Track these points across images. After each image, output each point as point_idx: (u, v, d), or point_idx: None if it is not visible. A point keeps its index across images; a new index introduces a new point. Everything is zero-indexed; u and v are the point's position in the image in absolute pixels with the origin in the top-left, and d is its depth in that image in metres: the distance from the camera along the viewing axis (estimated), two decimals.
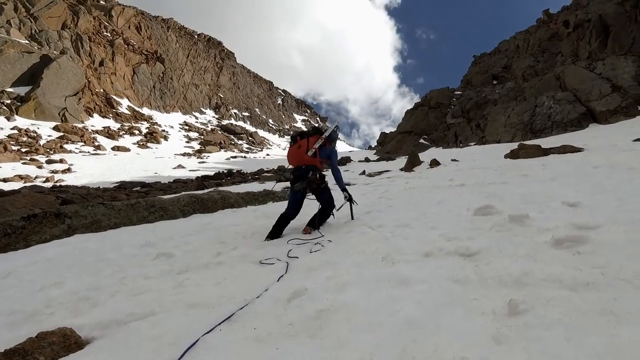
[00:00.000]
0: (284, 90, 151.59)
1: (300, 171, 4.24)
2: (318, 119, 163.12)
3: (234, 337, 1.71)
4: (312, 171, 4.18)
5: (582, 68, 26.07)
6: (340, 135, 4.80)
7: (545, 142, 14.68)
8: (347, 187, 4.78)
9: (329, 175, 4.48)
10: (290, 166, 4.45)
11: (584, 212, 2.88)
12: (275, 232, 4.14)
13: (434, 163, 14.22)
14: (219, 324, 1.86)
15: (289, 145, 4.52)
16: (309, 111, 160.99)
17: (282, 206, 7.00)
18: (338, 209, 4.54)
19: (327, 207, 4.38)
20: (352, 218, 4.49)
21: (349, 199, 4.49)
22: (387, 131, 46.58)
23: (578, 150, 10.43)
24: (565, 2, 39.83)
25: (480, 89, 40.49)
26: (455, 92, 43.85)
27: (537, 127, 24.83)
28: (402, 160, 20.04)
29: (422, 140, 36.35)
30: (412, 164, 15.33)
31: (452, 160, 15.56)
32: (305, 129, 4.76)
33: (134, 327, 1.98)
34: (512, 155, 11.81)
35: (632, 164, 6.12)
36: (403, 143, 37.95)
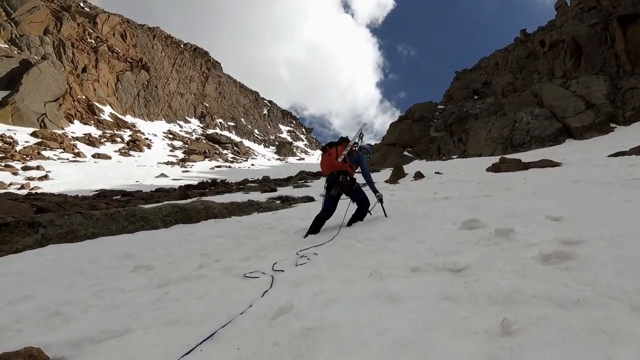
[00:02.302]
0: (269, 101, 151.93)
1: (333, 177, 4.67)
2: (304, 130, 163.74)
3: (215, 358, 1.62)
4: (342, 175, 4.57)
5: (557, 86, 27.26)
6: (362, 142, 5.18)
7: (525, 157, 15.14)
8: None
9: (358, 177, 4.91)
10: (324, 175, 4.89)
11: (568, 226, 2.93)
12: (313, 230, 4.57)
13: (418, 175, 14.41)
14: (200, 343, 1.77)
15: (320, 156, 4.99)
16: (294, 122, 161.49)
17: (267, 217, 6.91)
18: (370, 210, 4.96)
19: (362, 206, 4.81)
20: (386, 215, 4.89)
21: (380, 199, 4.94)
22: (371, 144, 47.16)
23: (556, 164, 10.79)
24: (541, 23, 41.93)
25: (462, 104, 41.70)
26: (438, 107, 44.97)
27: (517, 141, 25.65)
28: (387, 172, 20.24)
29: (406, 153, 36.94)
30: (396, 175, 15.50)
31: (435, 172, 15.81)
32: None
33: (108, 346, 1.87)
34: (494, 168, 12.09)
35: (608, 179, 6.35)
36: (388, 155, 38.45)
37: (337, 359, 1.48)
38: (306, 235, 4.48)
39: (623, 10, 26.52)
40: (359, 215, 4.85)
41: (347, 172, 4.67)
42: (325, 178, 4.86)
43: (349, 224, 4.73)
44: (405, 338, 1.53)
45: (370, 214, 4.99)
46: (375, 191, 4.95)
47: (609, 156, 11.28)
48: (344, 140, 4.92)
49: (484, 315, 1.62)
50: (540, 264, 2.12)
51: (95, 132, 57.72)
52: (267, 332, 1.81)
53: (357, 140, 5.02)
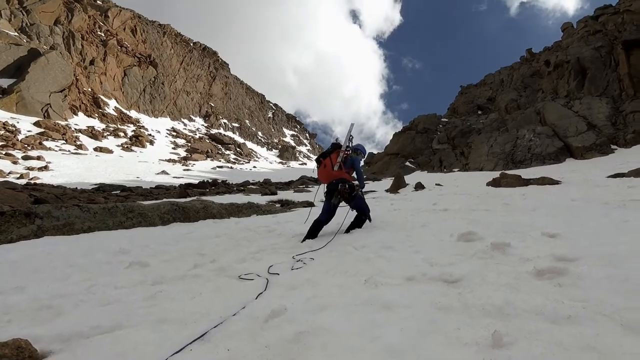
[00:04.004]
0: (275, 104, 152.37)
1: (332, 185, 4.77)
2: (307, 135, 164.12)
3: (205, 359, 1.61)
4: (341, 184, 4.67)
5: (560, 105, 27.43)
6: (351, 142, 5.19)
7: (525, 173, 15.17)
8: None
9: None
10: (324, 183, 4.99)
11: (563, 243, 2.94)
12: (311, 235, 4.63)
13: (419, 186, 14.43)
14: (190, 343, 1.76)
15: (316, 168, 5.07)
16: (298, 127, 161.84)
17: (266, 220, 6.91)
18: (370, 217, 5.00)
19: (361, 212, 4.89)
20: (370, 220, 5.03)
21: (360, 190, 5.01)
22: (374, 152, 47.27)
23: (556, 182, 10.81)
24: (547, 43, 42.28)
25: (466, 118, 41.84)
26: (442, 119, 45.12)
27: (518, 157, 25.72)
28: (388, 182, 20.26)
29: (408, 163, 37.01)
30: (397, 185, 15.51)
31: (436, 184, 15.83)
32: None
33: (97, 342, 1.85)
34: (494, 183, 12.11)
35: (606, 199, 6.36)
36: (389, 164, 38.49)
37: None
38: (304, 240, 4.50)
39: (628, 35, 26.80)
40: (358, 222, 4.89)
41: (346, 180, 4.76)
42: (325, 185, 4.94)
43: (347, 230, 4.78)
44: (396, 346, 1.53)
45: (370, 222, 5.01)
46: (362, 187, 4.97)
47: (608, 177, 11.30)
48: (336, 147, 4.98)
49: (476, 326, 1.62)
50: (534, 278, 2.14)
51: (98, 125, 57.80)
52: (258, 334, 1.80)
53: (348, 144, 5.05)
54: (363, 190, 5.06)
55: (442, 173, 28.49)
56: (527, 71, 41.25)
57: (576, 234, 3.30)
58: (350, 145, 5.08)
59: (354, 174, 5.09)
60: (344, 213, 5.07)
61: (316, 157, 5.22)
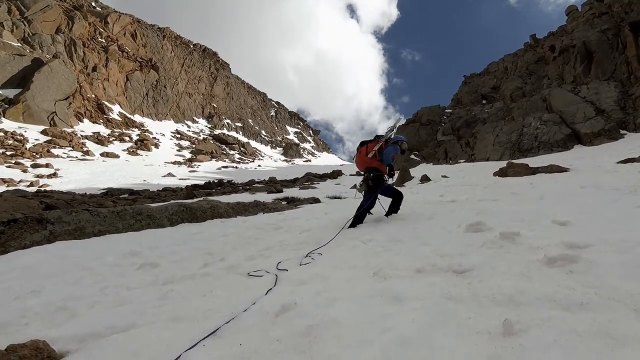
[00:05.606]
0: (277, 102, 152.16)
1: (364, 173, 4.90)
2: (311, 131, 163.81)
3: (218, 354, 1.63)
4: (367, 173, 4.80)
5: (567, 91, 26.97)
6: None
7: (533, 162, 14.99)
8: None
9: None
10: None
11: (574, 231, 2.90)
12: (358, 221, 4.76)
13: (425, 179, 14.35)
14: (203, 339, 1.78)
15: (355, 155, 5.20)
16: (301, 124, 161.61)
17: (273, 218, 6.93)
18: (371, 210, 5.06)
19: (396, 198, 5.01)
20: (368, 213, 5.00)
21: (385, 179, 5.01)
22: None
23: (564, 170, 10.67)
24: (551, 28, 41.53)
25: (470, 108, 41.41)
26: (446, 110, 44.74)
27: (525, 146, 25.41)
28: None
29: (413, 156, 36.81)
30: (403, 179, 15.44)
31: (442, 176, 15.71)
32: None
33: (112, 341, 1.89)
34: (501, 173, 11.99)
35: (616, 185, 6.27)
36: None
37: (340, 356, 1.49)
38: (350, 227, 4.65)
39: (635, 16, 26.23)
40: (395, 206, 5.03)
41: (374, 169, 4.83)
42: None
43: (354, 225, 4.78)
44: (408, 337, 1.53)
45: (371, 214, 5.07)
46: (387, 165, 4.95)
47: (618, 163, 11.13)
48: (377, 138, 5.08)
49: (487, 315, 1.62)
50: (545, 266, 2.11)
51: (104, 130, 58.31)
52: (270, 329, 1.82)
53: (390, 135, 5.07)
54: (389, 178, 5.08)
55: (447, 165, 28.29)
56: (531, 58, 40.65)
57: (587, 220, 3.25)
58: (391, 137, 5.11)
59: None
60: (354, 206, 5.08)
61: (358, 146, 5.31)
